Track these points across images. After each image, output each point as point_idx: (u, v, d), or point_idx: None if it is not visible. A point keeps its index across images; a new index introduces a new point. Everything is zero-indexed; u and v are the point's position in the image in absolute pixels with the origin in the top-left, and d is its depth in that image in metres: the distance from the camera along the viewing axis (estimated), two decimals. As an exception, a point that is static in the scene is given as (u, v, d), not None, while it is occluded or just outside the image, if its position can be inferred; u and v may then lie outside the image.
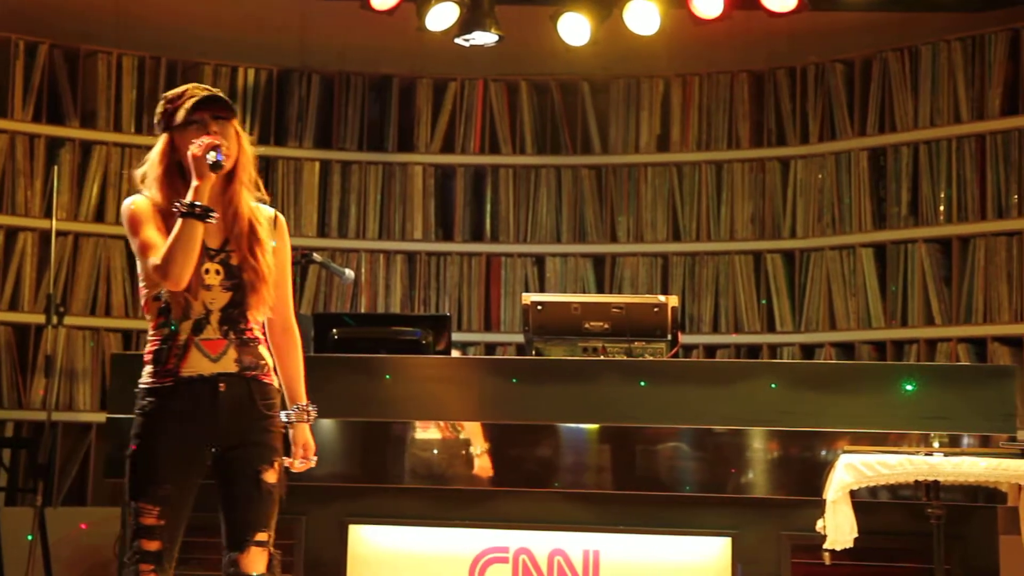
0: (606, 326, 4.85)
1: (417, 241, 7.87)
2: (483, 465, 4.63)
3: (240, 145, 3.40)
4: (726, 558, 4.51)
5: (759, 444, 4.51)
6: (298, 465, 3.51)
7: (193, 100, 3.35)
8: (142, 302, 3.39)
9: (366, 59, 7.95)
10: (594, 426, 4.61)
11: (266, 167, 7.45)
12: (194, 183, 3.26)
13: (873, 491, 4.34)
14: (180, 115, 3.35)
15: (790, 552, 4.47)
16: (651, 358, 4.84)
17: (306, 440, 3.53)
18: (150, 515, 3.24)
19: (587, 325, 4.86)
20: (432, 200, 7.92)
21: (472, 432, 4.64)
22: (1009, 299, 6.84)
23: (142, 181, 3.41)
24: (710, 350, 7.60)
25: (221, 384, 3.32)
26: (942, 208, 7.10)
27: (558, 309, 4.91)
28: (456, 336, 7.21)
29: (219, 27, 7.74)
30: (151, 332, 3.37)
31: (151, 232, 3.30)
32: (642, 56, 7.65)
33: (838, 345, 7.32)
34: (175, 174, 3.37)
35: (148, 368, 3.35)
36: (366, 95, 7.95)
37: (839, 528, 4.15)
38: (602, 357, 4.84)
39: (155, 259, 3.25)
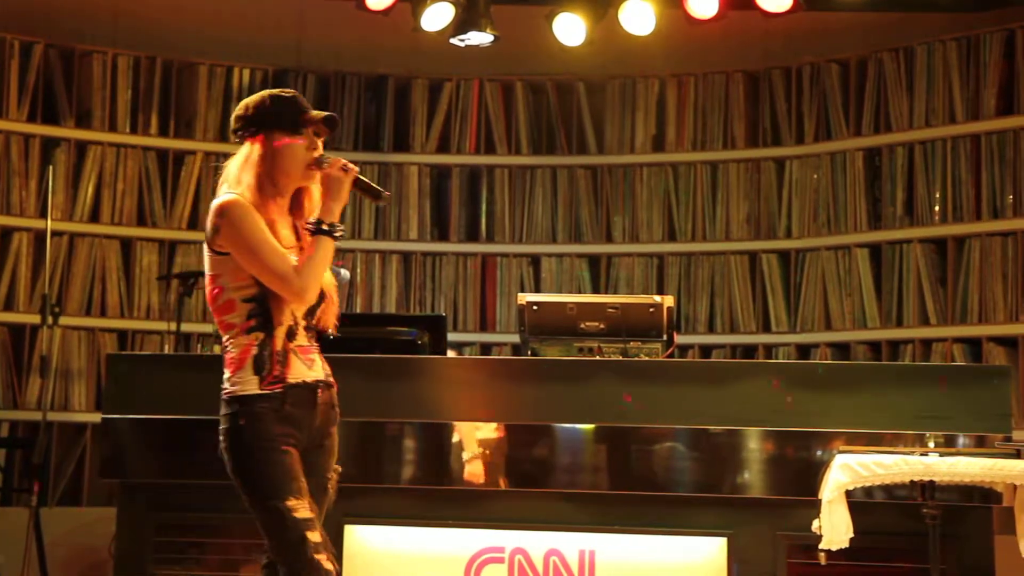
0: (602, 326, 4.85)
1: (413, 241, 7.87)
2: (479, 465, 4.62)
3: None
4: (722, 558, 4.51)
5: (755, 444, 4.51)
6: None
7: (318, 114, 3.39)
8: (221, 300, 3.32)
9: (362, 59, 7.95)
10: (590, 426, 4.61)
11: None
12: (332, 205, 3.35)
13: (869, 491, 4.34)
14: (299, 120, 3.37)
15: (786, 552, 4.48)
16: (647, 358, 4.84)
17: None
18: (303, 508, 3.22)
19: (583, 325, 4.86)
20: (428, 200, 7.92)
21: (468, 432, 4.64)
22: (1004, 299, 6.85)
23: (238, 181, 3.36)
24: (706, 350, 7.60)
25: (320, 390, 3.39)
26: (937, 208, 7.10)
27: (554, 309, 4.91)
28: (452, 336, 7.20)
29: (215, 27, 7.73)
30: (239, 335, 3.31)
31: (272, 238, 3.30)
32: (638, 56, 7.64)
33: (833, 345, 7.33)
34: (271, 177, 3.37)
35: (247, 374, 3.29)
36: (362, 95, 7.95)
37: (835, 528, 4.15)
38: (598, 357, 4.84)
39: (288, 271, 3.27)
